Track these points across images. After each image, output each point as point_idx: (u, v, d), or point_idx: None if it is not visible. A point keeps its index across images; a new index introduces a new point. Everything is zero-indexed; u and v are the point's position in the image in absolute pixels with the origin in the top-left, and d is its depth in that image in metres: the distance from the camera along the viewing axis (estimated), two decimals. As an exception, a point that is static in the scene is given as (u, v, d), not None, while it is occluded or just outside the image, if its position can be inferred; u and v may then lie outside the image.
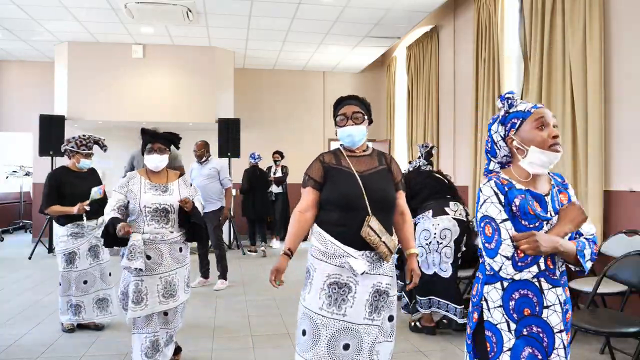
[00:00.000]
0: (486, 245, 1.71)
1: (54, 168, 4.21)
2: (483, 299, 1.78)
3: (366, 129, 2.44)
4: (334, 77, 10.53)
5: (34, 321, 4.38)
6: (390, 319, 2.34)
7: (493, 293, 1.75)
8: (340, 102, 2.47)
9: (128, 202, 3.02)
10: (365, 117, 2.43)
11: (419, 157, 4.69)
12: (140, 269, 2.92)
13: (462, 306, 3.94)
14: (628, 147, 4.10)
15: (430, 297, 4.06)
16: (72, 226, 4.07)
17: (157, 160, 3.11)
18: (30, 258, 7.53)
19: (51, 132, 7.92)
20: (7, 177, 11.12)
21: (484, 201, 1.74)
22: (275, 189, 8.75)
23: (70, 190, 4.07)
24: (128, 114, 8.50)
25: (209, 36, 8.12)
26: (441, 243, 3.97)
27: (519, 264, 1.66)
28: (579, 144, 4.44)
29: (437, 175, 4.44)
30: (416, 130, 8.27)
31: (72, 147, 4.21)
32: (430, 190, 4.21)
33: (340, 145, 2.51)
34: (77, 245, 4.07)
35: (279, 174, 8.74)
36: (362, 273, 2.21)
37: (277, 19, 7.24)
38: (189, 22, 7.27)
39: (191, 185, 3.32)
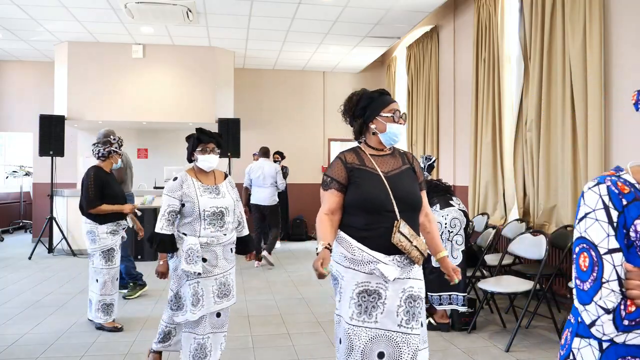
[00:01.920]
0: (578, 282, 1.15)
1: (87, 169, 4.26)
2: (571, 356, 1.22)
3: None
4: (334, 77, 10.53)
5: (34, 321, 4.38)
6: (422, 324, 2.21)
7: (586, 352, 1.17)
8: (383, 95, 2.35)
9: (182, 205, 2.94)
10: None
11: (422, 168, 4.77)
12: (199, 273, 2.88)
13: (466, 293, 4.09)
14: (628, 147, 4.10)
15: (441, 293, 4.11)
16: (112, 224, 4.16)
17: (213, 161, 3.05)
18: (30, 258, 7.53)
19: (51, 132, 7.92)
20: (7, 177, 11.13)
21: (585, 215, 1.16)
22: None
23: (109, 191, 4.15)
24: (128, 114, 8.50)
25: (209, 36, 8.12)
26: (452, 231, 4.11)
27: (626, 322, 1.07)
28: (579, 144, 4.44)
29: (437, 181, 4.58)
30: (416, 130, 8.27)
31: (116, 148, 4.28)
32: (434, 190, 4.33)
33: (360, 143, 2.35)
34: (114, 242, 4.16)
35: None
36: (394, 279, 2.10)
37: (277, 19, 7.23)
38: (189, 22, 7.27)
39: (235, 187, 3.24)
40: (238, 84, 9.58)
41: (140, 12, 6.78)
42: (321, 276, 2.00)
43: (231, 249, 3.10)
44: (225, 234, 3.02)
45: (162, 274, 3.03)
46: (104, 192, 4.12)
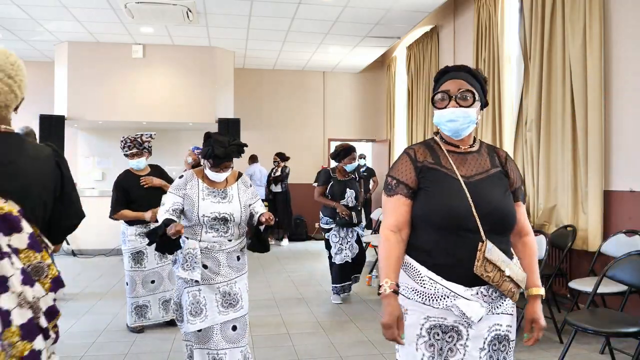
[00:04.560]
0: None
1: (119, 173, 4.25)
2: None
3: (477, 115, 1.72)
4: (334, 77, 10.53)
5: (34, 321, 4.37)
6: None
7: None
8: (444, 74, 1.81)
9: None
10: (477, 97, 1.71)
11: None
12: (197, 281, 2.69)
13: None
14: (628, 147, 4.10)
15: None
16: (140, 226, 4.10)
17: (224, 176, 2.82)
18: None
19: (51, 132, 7.93)
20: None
21: None
22: (274, 187, 9.18)
23: (137, 194, 4.09)
24: (128, 114, 8.50)
25: (209, 36, 8.12)
26: None
27: None
28: (579, 144, 4.44)
29: None
30: (416, 130, 8.27)
31: (149, 145, 4.24)
32: None
33: (436, 134, 1.86)
34: (144, 245, 4.07)
35: (278, 173, 9.16)
36: (479, 320, 1.62)
37: (277, 19, 7.23)
38: (189, 22, 7.27)
39: (250, 186, 2.99)
40: (238, 84, 9.58)
41: (140, 12, 6.78)
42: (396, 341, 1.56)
43: (238, 256, 2.85)
44: (230, 240, 2.80)
45: (175, 231, 2.49)
46: (131, 196, 4.07)
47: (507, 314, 1.67)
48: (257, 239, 2.94)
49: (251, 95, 10.22)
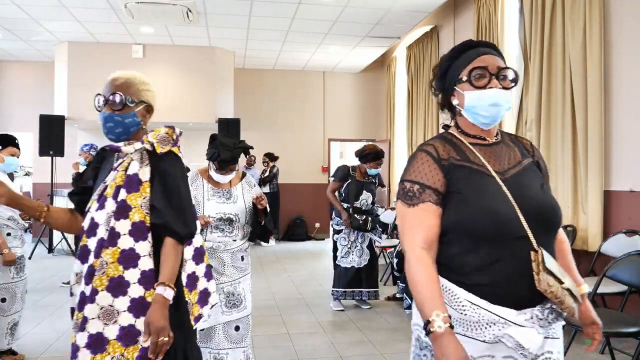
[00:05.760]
0: None
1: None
2: None
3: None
4: (334, 77, 10.53)
5: (34, 321, 4.38)
6: None
7: None
8: (469, 47, 1.49)
9: None
10: (517, 78, 1.45)
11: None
12: None
13: None
14: (628, 147, 4.10)
15: None
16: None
17: (228, 178, 2.86)
18: (30, 258, 7.52)
19: (51, 132, 7.92)
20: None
21: None
22: (262, 188, 9.23)
23: None
24: (128, 114, 8.49)
25: (209, 36, 8.12)
26: None
27: None
28: (579, 144, 4.44)
29: None
30: (416, 130, 8.27)
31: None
32: None
33: (452, 126, 1.51)
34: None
35: (266, 174, 9.21)
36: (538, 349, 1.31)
37: (277, 19, 7.23)
38: (189, 22, 7.27)
39: (255, 186, 3.01)
40: (238, 84, 9.58)
41: (140, 12, 6.78)
42: None
43: (242, 256, 2.88)
44: (235, 240, 2.82)
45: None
46: None
47: (557, 337, 1.37)
48: (259, 229, 2.94)
49: (251, 95, 10.22)
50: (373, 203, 4.94)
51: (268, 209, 2.89)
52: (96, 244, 1.62)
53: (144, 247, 1.62)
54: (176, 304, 1.64)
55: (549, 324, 1.32)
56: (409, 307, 4.56)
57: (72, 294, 1.70)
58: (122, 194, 1.64)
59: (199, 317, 1.97)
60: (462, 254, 1.32)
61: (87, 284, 1.60)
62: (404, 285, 4.82)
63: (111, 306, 1.57)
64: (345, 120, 10.56)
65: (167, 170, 1.69)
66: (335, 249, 4.96)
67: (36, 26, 7.60)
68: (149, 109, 1.84)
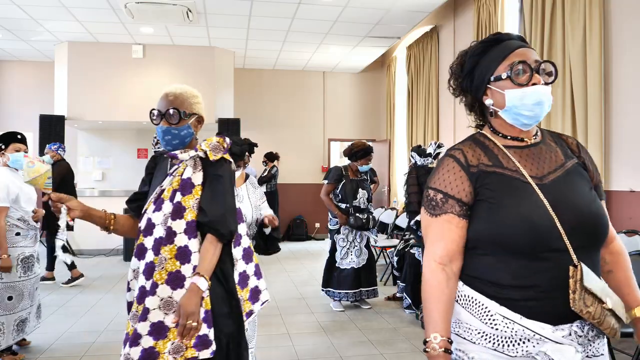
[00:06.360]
0: None
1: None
2: None
3: None
4: (334, 77, 10.53)
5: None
6: None
7: None
8: (499, 41, 1.35)
9: None
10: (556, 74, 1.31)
11: (429, 155, 4.55)
12: None
13: None
14: (628, 147, 4.10)
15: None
16: None
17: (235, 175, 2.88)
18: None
19: (51, 132, 7.92)
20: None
21: None
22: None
23: None
24: (128, 114, 8.49)
25: (209, 36, 8.12)
26: None
27: None
28: (579, 144, 4.44)
29: None
30: (416, 130, 8.27)
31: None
32: None
33: (481, 127, 1.45)
34: None
35: (264, 174, 9.16)
36: None
37: (277, 19, 7.23)
38: (189, 22, 7.27)
39: (258, 187, 3.05)
40: (238, 84, 9.58)
41: (140, 12, 6.78)
42: None
43: None
44: None
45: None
46: None
47: (600, 355, 1.26)
48: (262, 240, 2.98)
49: (251, 95, 10.22)
50: (369, 200, 4.93)
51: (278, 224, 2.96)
52: (154, 242, 1.79)
53: (195, 244, 1.78)
54: (229, 300, 1.82)
55: (589, 342, 1.22)
56: (409, 307, 4.56)
57: (129, 289, 1.87)
58: (178, 197, 1.82)
59: (250, 313, 2.11)
60: (492, 267, 1.24)
61: (147, 278, 1.76)
62: (404, 285, 4.82)
63: (170, 297, 1.73)
64: (345, 120, 10.57)
65: (217, 174, 1.87)
66: (333, 250, 4.94)
67: (36, 26, 7.60)
68: (200, 120, 2.00)
